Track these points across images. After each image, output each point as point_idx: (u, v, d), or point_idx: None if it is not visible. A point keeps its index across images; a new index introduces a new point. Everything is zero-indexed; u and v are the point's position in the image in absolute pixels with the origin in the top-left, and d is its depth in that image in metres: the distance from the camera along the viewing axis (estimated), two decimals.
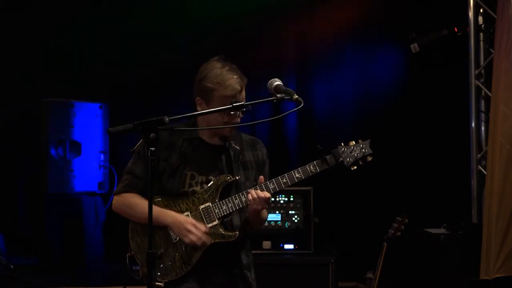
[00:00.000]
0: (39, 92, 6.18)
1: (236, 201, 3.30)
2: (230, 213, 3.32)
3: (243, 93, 3.28)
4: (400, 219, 4.53)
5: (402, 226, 4.52)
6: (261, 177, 3.31)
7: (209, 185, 3.33)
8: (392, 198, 5.91)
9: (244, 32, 6.30)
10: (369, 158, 3.35)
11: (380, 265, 4.51)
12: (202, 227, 3.27)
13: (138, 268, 3.38)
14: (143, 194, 3.36)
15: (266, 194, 3.24)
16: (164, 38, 6.36)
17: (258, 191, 3.26)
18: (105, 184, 6.06)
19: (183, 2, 6.35)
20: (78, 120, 6.01)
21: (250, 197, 3.25)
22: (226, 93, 3.24)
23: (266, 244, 5.29)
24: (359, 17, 6.26)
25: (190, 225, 3.25)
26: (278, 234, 5.29)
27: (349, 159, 3.32)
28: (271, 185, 3.30)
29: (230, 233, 3.31)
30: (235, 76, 3.26)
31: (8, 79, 6.34)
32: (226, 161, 3.38)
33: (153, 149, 2.80)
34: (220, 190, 3.32)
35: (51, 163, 5.88)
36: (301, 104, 3.10)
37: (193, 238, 3.24)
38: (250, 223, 3.42)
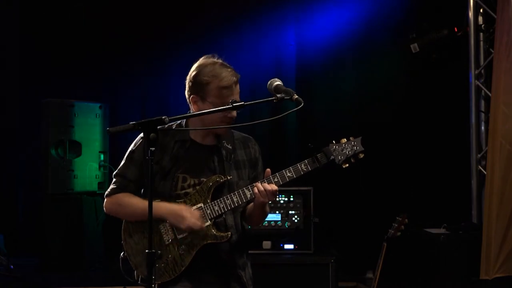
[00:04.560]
0: (39, 92, 6.19)
1: (228, 201, 3.28)
2: (223, 213, 3.31)
3: (238, 86, 3.27)
4: (400, 219, 4.53)
5: (402, 226, 4.52)
6: (268, 169, 3.29)
7: (200, 186, 3.32)
8: (392, 198, 5.91)
9: (244, 32, 6.31)
10: (361, 156, 3.32)
11: (380, 265, 4.51)
12: (196, 212, 3.27)
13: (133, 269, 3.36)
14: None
15: (273, 187, 3.22)
16: (165, 37, 6.36)
17: (265, 184, 3.24)
18: (105, 184, 6.07)
19: (183, 2, 6.36)
20: (78, 120, 6.01)
21: (256, 190, 3.23)
22: (222, 84, 3.23)
23: (266, 244, 5.28)
24: (359, 17, 6.26)
25: (185, 211, 3.25)
26: (278, 234, 5.29)
27: (341, 157, 3.30)
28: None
29: (222, 234, 3.29)
30: (228, 69, 3.27)
31: (8, 79, 6.35)
32: (218, 161, 3.37)
33: (153, 149, 2.79)
34: (211, 190, 3.30)
35: (51, 163, 5.89)
36: (301, 104, 3.10)
37: (189, 223, 3.23)
38: (253, 218, 3.41)
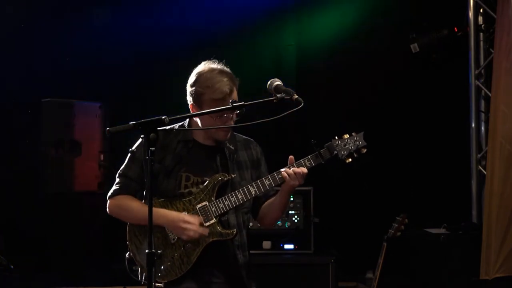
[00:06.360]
0: (39, 92, 6.18)
1: (233, 199, 3.30)
2: (227, 211, 3.33)
3: (234, 94, 3.29)
4: (400, 219, 4.54)
5: (402, 226, 4.52)
6: (291, 156, 3.31)
7: (205, 184, 3.33)
8: (392, 198, 5.91)
9: (244, 32, 6.31)
10: (363, 150, 3.35)
11: (380, 265, 4.51)
12: (195, 220, 3.27)
13: (137, 268, 3.38)
14: (136, 196, 3.38)
15: (303, 170, 3.27)
16: (164, 37, 6.36)
17: (294, 168, 3.27)
18: (105, 184, 6.06)
19: (183, 2, 6.36)
20: (78, 120, 6.00)
21: (285, 174, 3.25)
22: (214, 96, 3.25)
23: (266, 244, 5.29)
24: (359, 17, 6.26)
25: (182, 223, 3.25)
26: (278, 234, 5.30)
27: (344, 152, 3.33)
28: (266, 181, 3.31)
29: (228, 231, 3.31)
30: (225, 79, 3.26)
31: (8, 79, 6.34)
32: (221, 161, 3.39)
33: (153, 149, 2.80)
34: (216, 189, 3.32)
35: (51, 163, 5.88)
36: (301, 104, 3.12)
37: (190, 233, 3.25)
38: (272, 213, 3.43)
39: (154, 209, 3.17)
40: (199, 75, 3.32)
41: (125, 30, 6.36)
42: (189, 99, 3.35)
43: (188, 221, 3.26)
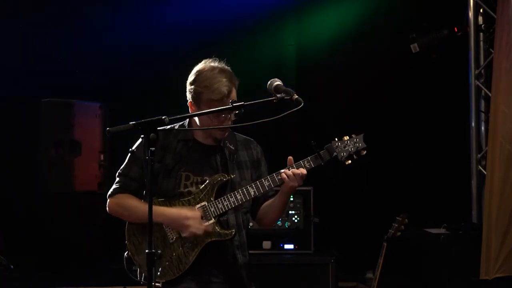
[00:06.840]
0: (39, 92, 6.18)
1: (232, 199, 3.30)
2: (226, 211, 3.33)
3: (233, 95, 3.27)
4: (400, 219, 4.54)
5: (402, 226, 4.52)
6: (290, 157, 3.31)
7: (204, 184, 3.33)
8: (392, 198, 5.91)
9: (244, 32, 6.31)
10: (363, 152, 3.34)
11: (380, 265, 4.51)
12: (195, 214, 3.27)
13: (136, 268, 3.38)
14: (136, 195, 3.38)
15: (303, 171, 3.26)
16: (164, 37, 6.36)
17: (293, 169, 3.26)
18: (105, 184, 6.05)
19: (183, 2, 6.36)
20: (78, 120, 6.00)
21: (284, 175, 3.25)
22: (212, 96, 3.24)
23: (266, 244, 5.29)
24: (359, 17, 6.26)
25: (184, 220, 3.25)
26: (278, 234, 5.29)
27: (343, 154, 3.32)
28: (266, 182, 3.31)
29: (226, 231, 3.31)
30: (224, 79, 3.25)
31: (8, 79, 6.34)
32: (221, 160, 3.39)
33: (153, 149, 2.80)
34: (215, 189, 3.32)
35: (51, 163, 5.88)
36: (301, 104, 3.12)
37: (192, 230, 3.25)
38: (270, 214, 3.43)
39: (154, 207, 3.18)
40: (199, 73, 3.31)
41: (125, 30, 6.36)
42: (188, 96, 3.35)
43: (190, 217, 3.26)
